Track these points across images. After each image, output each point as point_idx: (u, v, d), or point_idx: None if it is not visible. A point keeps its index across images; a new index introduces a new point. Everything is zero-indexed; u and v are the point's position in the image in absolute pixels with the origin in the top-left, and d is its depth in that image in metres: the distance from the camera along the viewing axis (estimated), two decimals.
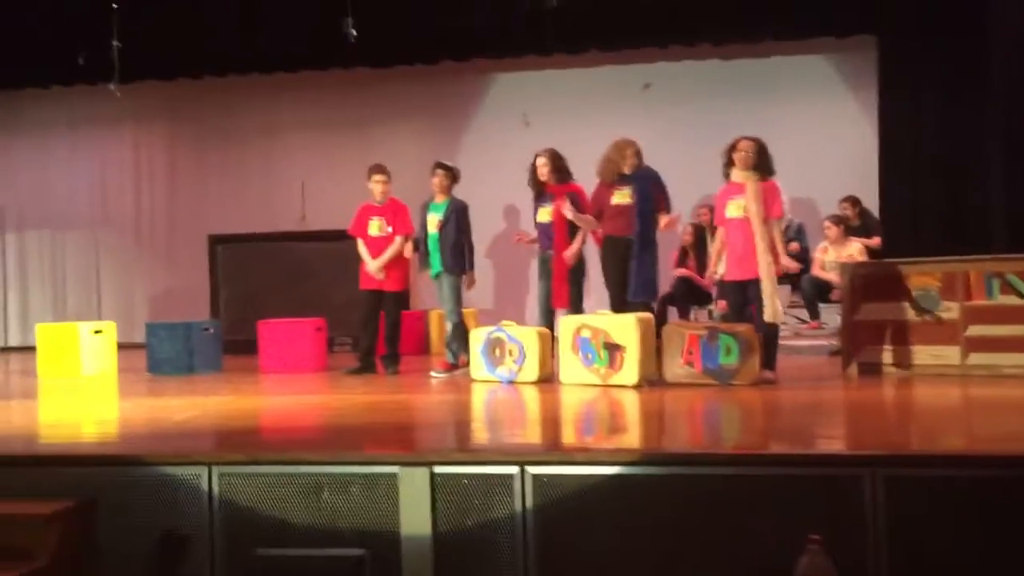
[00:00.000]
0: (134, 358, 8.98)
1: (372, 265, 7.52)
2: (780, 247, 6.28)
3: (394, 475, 3.83)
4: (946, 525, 3.43)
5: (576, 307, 7.00)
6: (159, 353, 8.00)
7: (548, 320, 7.12)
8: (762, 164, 6.25)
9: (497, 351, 6.75)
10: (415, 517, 3.80)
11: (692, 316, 9.14)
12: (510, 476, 3.76)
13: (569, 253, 6.95)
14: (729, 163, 6.36)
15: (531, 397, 5.96)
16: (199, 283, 11.43)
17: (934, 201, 9.88)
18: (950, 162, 9.78)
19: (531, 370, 6.58)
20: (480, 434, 4.71)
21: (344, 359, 8.63)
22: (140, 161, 12.55)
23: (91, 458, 4.14)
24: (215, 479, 3.95)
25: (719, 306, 8.73)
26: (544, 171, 7.11)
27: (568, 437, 4.59)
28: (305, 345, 8.00)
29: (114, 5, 8.08)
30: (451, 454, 3.88)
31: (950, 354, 6.32)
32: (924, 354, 6.41)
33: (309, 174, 11.52)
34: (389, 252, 7.52)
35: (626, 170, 6.76)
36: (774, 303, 6.07)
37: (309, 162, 11.71)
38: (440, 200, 7.45)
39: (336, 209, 11.01)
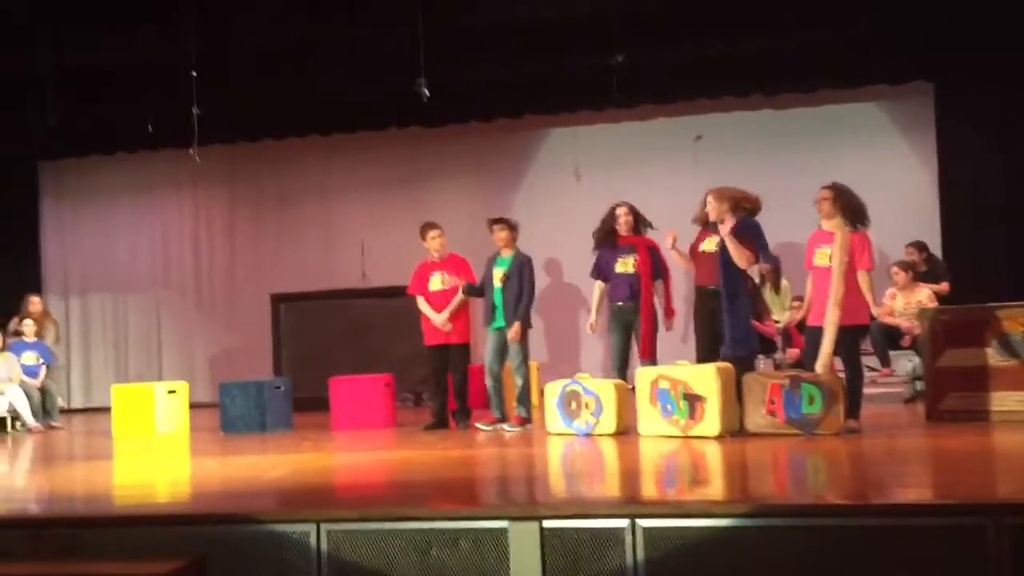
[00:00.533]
0: (200, 417, 9.08)
1: (439, 318, 7.55)
2: (870, 297, 6.24)
3: (504, 530, 3.82)
4: None
5: (654, 357, 7.02)
6: (232, 411, 8.09)
7: (623, 373, 7.11)
8: (847, 211, 6.23)
9: (573, 404, 6.74)
10: (526, 573, 3.78)
11: (759, 365, 9.06)
12: (621, 529, 3.74)
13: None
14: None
15: (620, 449, 5.92)
16: (259, 342, 11.58)
17: (997, 246, 9.80)
18: (1012, 206, 9.72)
19: (608, 422, 6.57)
20: (586, 487, 4.68)
21: (406, 415, 8.66)
22: (199, 223, 12.80)
23: (199, 517, 4.17)
24: (323, 536, 3.96)
25: (788, 355, 8.71)
26: (627, 220, 7.15)
27: (676, 489, 4.55)
28: (376, 401, 8.05)
29: (193, 73, 8.26)
30: (561, 508, 3.87)
31: None
32: (1009, 400, 6.32)
33: (366, 232, 11.66)
34: (454, 303, 7.56)
35: (712, 217, 6.72)
36: (827, 354, 6.02)
37: (365, 220, 11.87)
38: (505, 254, 7.47)
39: (394, 265, 11.14)
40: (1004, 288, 9.25)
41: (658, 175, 11.20)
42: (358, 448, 6.61)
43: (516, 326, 7.23)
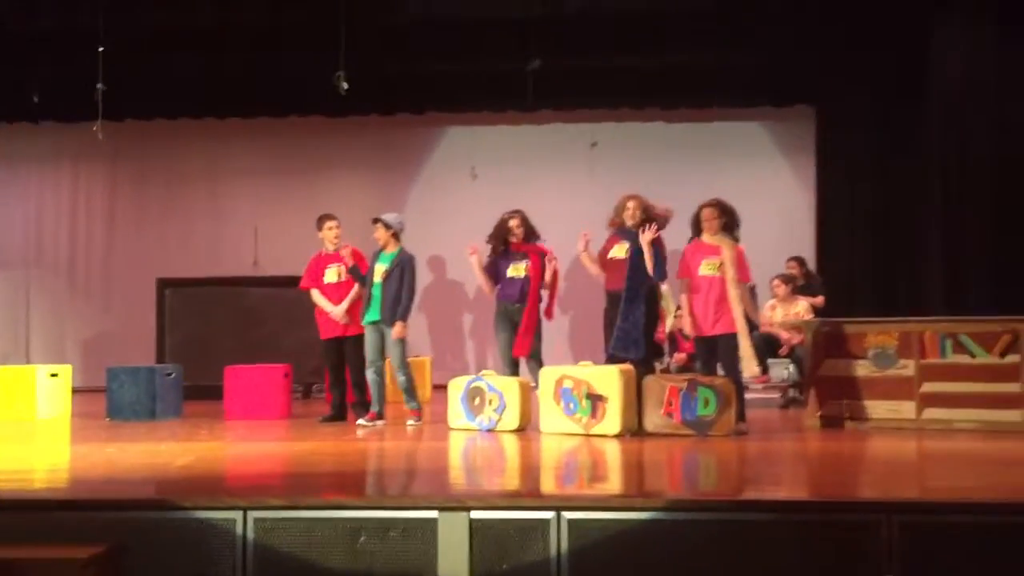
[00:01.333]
0: (77, 403, 8.76)
1: (337, 310, 7.51)
2: (749, 306, 6.63)
3: (433, 520, 3.92)
4: (960, 570, 3.70)
5: (537, 357, 7.28)
6: (120, 397, 7.85)
7: (512, 370, 7.34)
8: (729, 226, 6.60)
9: (477, 400, 6.89)
10: (453, 562, 3.89)
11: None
12: (546, 521, 3.90)
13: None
14: (698, 226, 6.72)
15: (531, 445, 6.08)
16: (139, 327, 11.24)
17: (868, 263, 10.51)
18: (882, 227, 10.43)
19: (511, 419, 6.74)
20: (511, 480, 4.81)
21: (296, 407, 8.61)
22: (78, 202, 12.32)
23: (118, 502, 4.09)
24: (250, 524, 3.96)
25: (675, 359, 9.08)
26: (519, 232, 7.36)
27: (599, 483, 4.72)
28: (272, 391, 7.96)
29: (100, 48, 7.96)
30: (490, 499, 4.00)
31: (906, 409, 6.74)
32: (882, 408, 6.81)
33: (259, 220, 11.49)
34: (351, 295, 7.54)
35: (628, 223, 6.97)
36: (751, 359, 6.39)
37: (259, 207, 11.70)
38: (389, 251, 7.43)
39: (287, 255, 11.03)
40: (874, 303, 9.97)
41: (553, 179, 11.49)
42: (261, 438, 6.56)
43: (399, 326, 7.20)
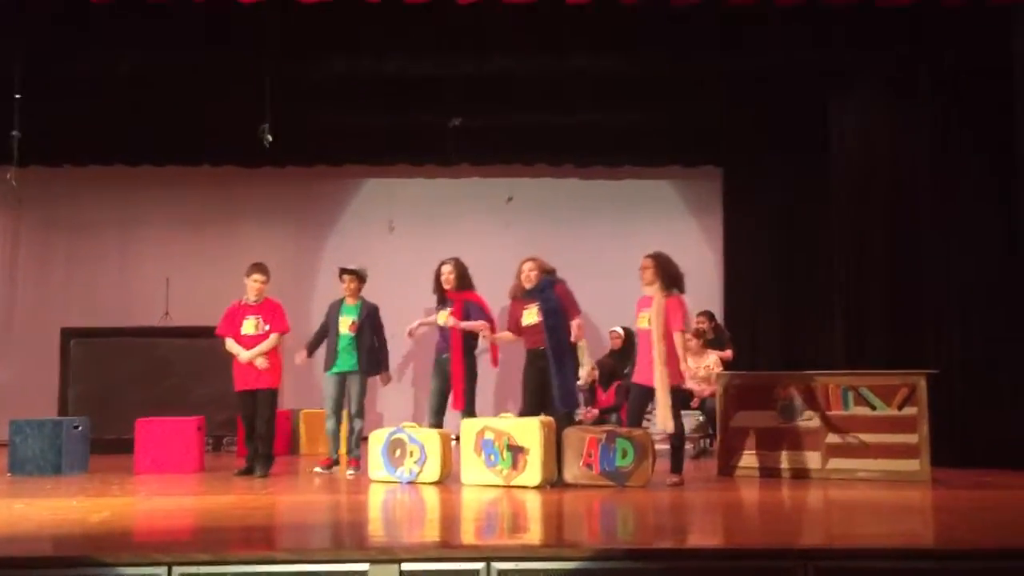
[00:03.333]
0: None
1: (245, 355, 7.43)
2: (682, 355, 6.77)
3: (363, 573, 3.92)
4: None
5: (470, 408, 7.30)
6: (23, 451, 7.56)
7: (439, 420, 7.37)
8: (664, 278, 6.76)
9: (398, 451, 6.89)
10: None
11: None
12: (476, 571, 3.94)
13: (498, 337, 7.35)
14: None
15: (454, 497, 6.10)
16: (40, 378, 10.85)
17: (774, 318, 10.92)
18: (784, 284, 10.87)
19: (432, 471, 6.76)
20: (440, 531, 4.82)
21: (207, 459, 8.44)
22: None
23: (38, 560, 3.98)
24: None
25: (587, 415, 9.21)
26: (450, 279, 7.44)
27: (524, 533, 4.77)
28: (185, 445, 7.79)
29: (17, 96, 7.80)
30: (420, 551, 4.02)
31: (813, 459, 7.02)
32: (790, 458, 7.08)
33: (171, 270, 11.28)
34: (265, 344, 7.47)
35: (527, 286, 7.14)
36: (665, 412, 6.54)
37: (171, 258, 11.51)
38: (351, 303, 7.65)
39: (199, 305, 10.86)
40: (779, 356, 10.34)
41: (471, 232, 11.63)
42: (177, 492, 6.41)
43: (385, 375, 7.72)
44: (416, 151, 11.10)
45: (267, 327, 7.53)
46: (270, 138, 8.27)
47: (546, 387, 6.86)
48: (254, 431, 7.52)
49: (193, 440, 7.91)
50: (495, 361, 7.78)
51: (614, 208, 11.79)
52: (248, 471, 7.42)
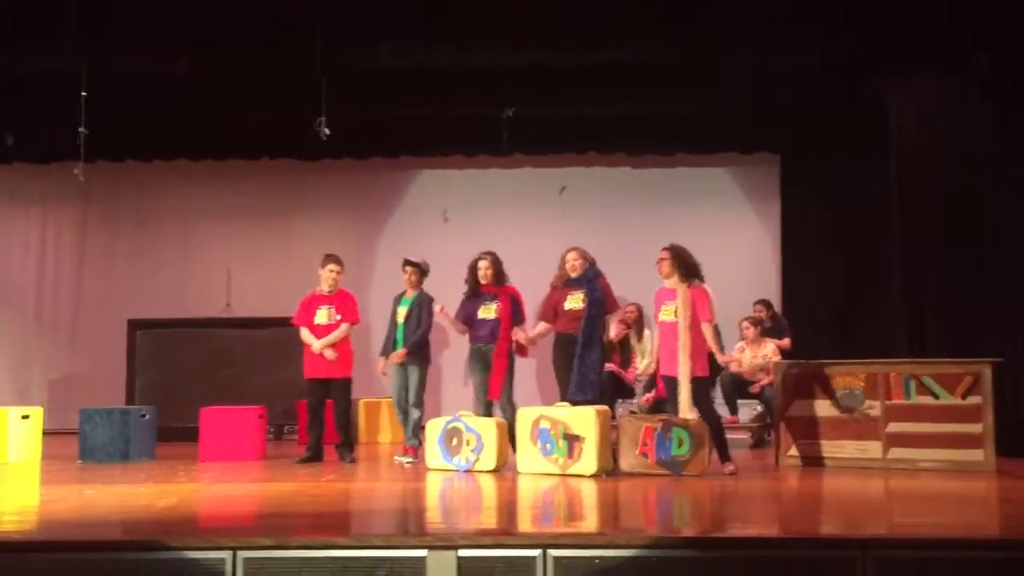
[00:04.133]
0: (46, 445, 8.66)
1: (316, 344, 7.61)
2: (714, 346, 6.75)
3: (422, 559, 3.99)
4: None
5: (507, 399, 7.35)
6: (93, 439, 7.81)
7: (487, 411, 7.42)
8: (683, 270, 6.72)
9: (454, 440, 6.96)
10: None
11: (618, 410, 9.54)
12: (533, 559, 3.99)
13: (532, 334, 7.37)
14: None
15: (511, 485, 6.14)
16: (108, 368, 11.16)
17: (832, 306, 10.77)
18: (848, 269, 10.71)
19: (488, 459, 6.82)
20: (498, 518, 4.87)
21: (268, 448, 8.62)
22: (46, 243, 12.24)
23: (106, 544, 4.11)
24: (239, 564, 3.99)
25: (643, 400, 9.22)
26: (487, 273, 7.50)
27: (580, 521, 4.80)
28: (247, 433, 7.96)
29: (83, 93, 8.02)
30: (478, 538, 4.07)
31: (873, 448, 6.93)
32: (850, 448, 7.00)
33: (231, 261, 11.50)
34: (335, 334, 7.64)
35: (572, 275, 7.17)
36: (686, 403, 6.50)
37: (230, 249, 11.71)
38: (410, 294, 7.80)
39: (259, 296, 11.09)
40: (838, 345, 10.18)
41: (524, 222, 11.65)
42: (240, 479, 6.57)
43: (401, 350, 7.63)
44: (470, 142, 11.12)
45: (339, 317, 7.71)
46: (327, 131, 8.37)
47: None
48: (316, 418, 7.68)
49: (255, 428, 8.08)
50: (523, 352, 7.70)
51: (669, 197, 11.68)
52: (309, 459, 7.56)
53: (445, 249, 11.23)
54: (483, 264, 7.59)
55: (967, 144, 8.31)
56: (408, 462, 7.51)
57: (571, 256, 7.26)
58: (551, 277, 7.56)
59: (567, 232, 10.84)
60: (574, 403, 6.80)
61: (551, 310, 7.28)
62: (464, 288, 7.80)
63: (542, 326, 7.40)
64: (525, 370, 9.43)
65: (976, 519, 4.95)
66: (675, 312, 6.64)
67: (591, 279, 7.16)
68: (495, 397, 7.36)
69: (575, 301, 7.12)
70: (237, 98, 9.82)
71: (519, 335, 7.40)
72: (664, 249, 6.83)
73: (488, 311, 7.52)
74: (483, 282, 7.56)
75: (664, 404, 8.96)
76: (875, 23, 7.98)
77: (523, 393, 8.74)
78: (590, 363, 6.95)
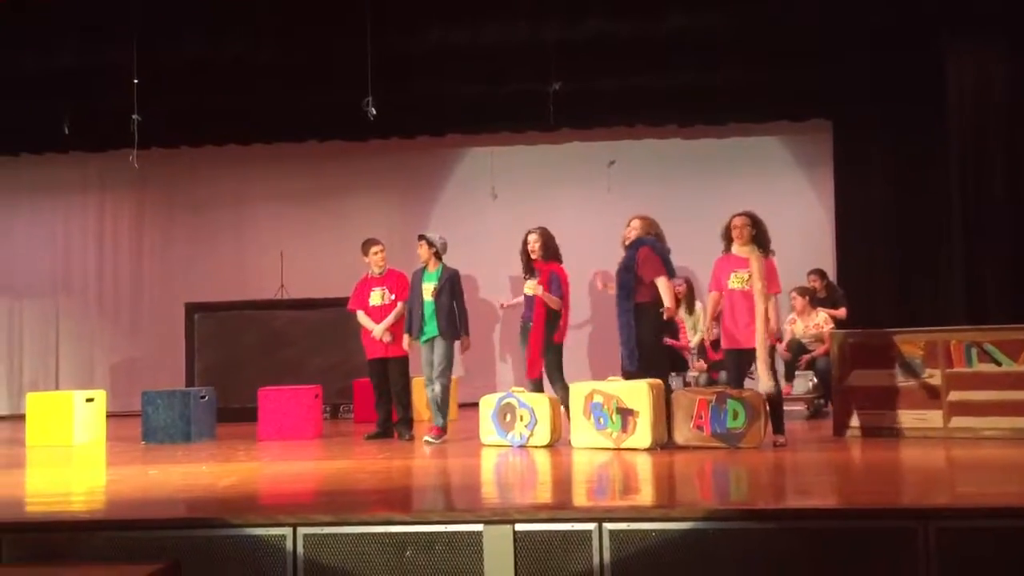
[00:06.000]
0: (109, 427, 8.89)
1: (378, 329, 7.72)
2: (774, 320, 6.68)
3: (478, 533, 4.02)
4: (997, 574, 3.77)
5: (555, 374, 7.28)
6: (155, 421, 8.00)
7: (534, 387, 7.31)
8: (760, 237, 6.67)
9: (508, 416, 6.99)
10: (499, 574, 3.99)
11: (672, 382, 9.48)
12: (588, 532, 3.99)
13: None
14: (728, 238, 6.79)
15: (565, 460, 6.15)
16: (166, 351, 11.43)
17: (890, 274, 10.57)
18: (900, 239, 10.51)
19: (543, 434, 6.84)
20: (552, 493, 4.88)
21: (325, 427, 8.73)
22: (105, 229, 12.54)
23: (171, 521, 4.21)
24: (299, 540, 4.07)
25: (695, 367, 9.15)
26: (535, 247, 7.43)
27: (635, 495, 4.80)
28: (304, 412, 8.09)
29: (135, 80, 8.16)
30: (533, 512, 4.09)
31: (934, 418, 6.79)
32: (909, 417, 6.87)
33: (284, 244, 11.64)
34: (392, 315, 7.75)
35: (625, 243, 7.13)
36: (768, 374, 6.44)
37: (282, 232, 11.87)
38: (432, 269, 7.65)
39: (312, 278, 11.21)
40: (895, 314, 10.02)
41: (573, 197, 11.62)
42: (298, 457, 6.68)
43: (465, 340, 7.66)
44: (517, 118, 11.07)
45: (392, 296, 7.80)
46: (374, 111, 8.41)
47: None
48: (382, 396, 7.81)
49: (312, 408, 8.21)
50: (560, 336, 7.46)
51: (720, 167, 11.55)
52: (378, 435, 7.73)
53: (493, 226, 11.30)
54: (532, 238, 7.50)
55: None
56: (429, 441, 7.31)
57: (630, 224, 7.17)
58: (603, 250, 7.53)
59: (616, 206, 10.79)
60: (627, 374, 6.77)
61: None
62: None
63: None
64: (574, 346, 9.37)
65: None
66: (746, 280, 6.56)
67: (634, 246, 7.06)
68: (531, 376, 7.24)
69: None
70: (286, 82, 9.91)
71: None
72: (742, 215, 6.72)
73: (529, 287, 7.42)
74: (532, 256, 7.49)
75: (719, 370, 8.92)
76: None
77: (574, 370, 8.75)
78: (629, 331, 6.84)
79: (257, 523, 4.13)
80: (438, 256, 7.67)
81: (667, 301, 6.88)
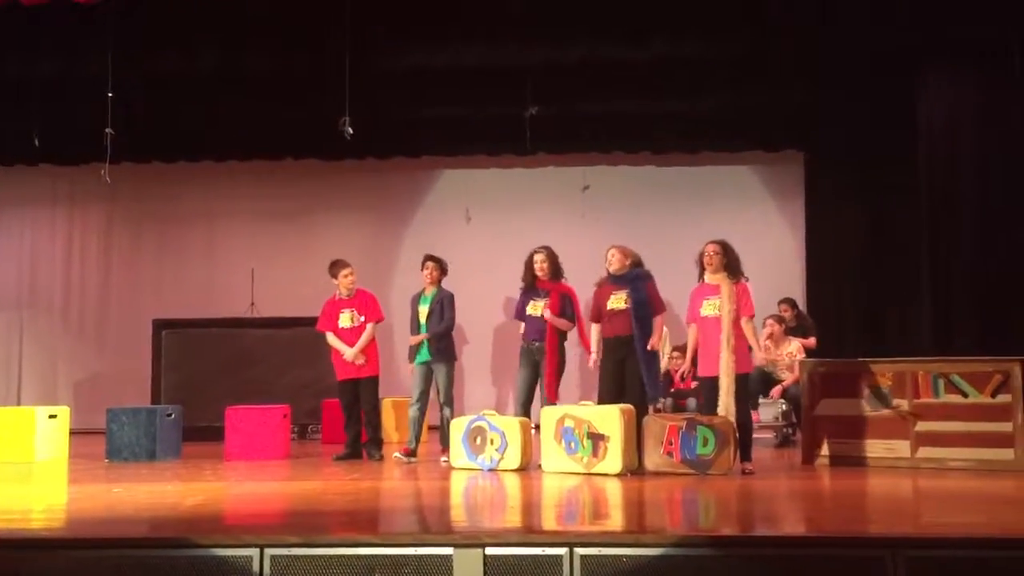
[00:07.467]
0: (72, 444, 8.73)
1: (350, 352, 7.67)
2: (754, 342, 6.71)
3: (448, 557, 3.98)
4: None
5: (556, 401, 7.22)
6: (120, 438, 7.87)
7: (526, 408, 7.31)
8: (731, 265, 6.72)
9: (478, 439, 6.95)
10: None
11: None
12: (559, 557, 3.97)
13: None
14: (701, 267, 6.84)
15: (535, 484, 6.12)
16: (133, 368, 11.27)
17: (858, 304, 10.68)
18: (874, 267, 10.64)
19: (513, 458, 6.80)
20: (523, 517, 4.84)
21: (293, 447, 8.63)
22: (73, 243, 12.41)
23: (135, 540, 4.14)
24: (267, 561, 4.00)
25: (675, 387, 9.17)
26: (544, 267, 7.39)
27: (606, 520, 4.77)
28: (272, 432, 8.00)
29: (109, 94, 8.10)
30: (504, 536, 4.06)
31: (901, 447, 6.85)
32: (878, 447, 6.92)
33: (255, 261, 11.56)
34: (364, 338, 7.72)
35: (611, 271, 7.10)
36: (729, 398, 6.46)
37: (254, 249, 11.78)
38: (429, 292, 7.71)
39: (283, 296, 11.14)
40: (863, 343, 10.12)
41: (547, 221, 11.62)
42: (266, 478, 6.59)
43: (420, 335, 7.59)
44: (492, 141, 11.15)
45: (362, 318, 7.77)
46: (351, 131, 8.39)
47: (623, 377, 6.85)
48: (351, 417, 7.77)
49: (280, 428, 8.12)
50: (589, 350, 7.39)
51: (692, 195, 11.66)
52: (347, 456, 7.67)
53: (468, 248, 11.29)
54: (539, 258, 7.42)
55: (998, 137, 8.24)
56: (398, 456, 7.49)
57: (610, 253, 7.14)
58: (577, 275, 7.53)
59: (590, 231, 10.86)
60: (651, 402, 6.89)
61: (597, 311, 7.12)
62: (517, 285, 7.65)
63: (594, 330, 7.17)
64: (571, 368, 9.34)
65: (1006, 518, 4.87)
66: (718, 307, 6.60)
67: (634, 279, 7.05)
68: (552, 401, 7.14)
69: (617, 301, 6.97)
70: (261, 98, 9.88)
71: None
72: (714, 243, 6.78)
73: (536, 308, 7.34)
74: (540, 276, 7.40)
75: (686, 398, 8.96)
76: (909, 15, 7.89)
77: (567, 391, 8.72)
78: (654, 364, 6.93)
79: (223, 543, 4.05)
80: (439, 279, 7.72)
81: (657, 335, 6.93)
